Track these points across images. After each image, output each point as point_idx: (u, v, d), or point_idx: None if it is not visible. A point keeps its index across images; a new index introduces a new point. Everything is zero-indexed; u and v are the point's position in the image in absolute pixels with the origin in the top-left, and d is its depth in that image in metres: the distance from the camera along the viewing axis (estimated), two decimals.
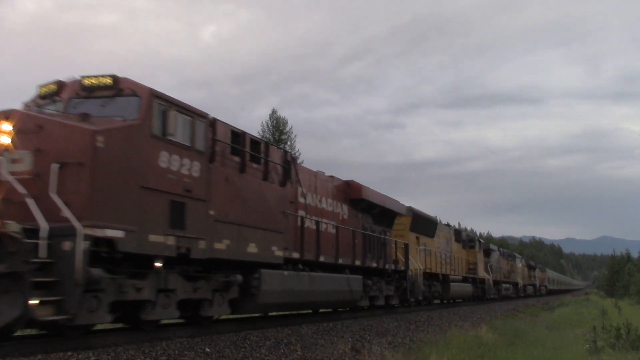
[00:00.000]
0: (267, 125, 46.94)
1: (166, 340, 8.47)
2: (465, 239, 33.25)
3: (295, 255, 12.83)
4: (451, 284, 26.75)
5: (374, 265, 17.55)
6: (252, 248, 10.90)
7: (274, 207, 11.89)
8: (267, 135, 46.23)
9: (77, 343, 7.54)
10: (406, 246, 21.10)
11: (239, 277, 10.69)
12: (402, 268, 20.39)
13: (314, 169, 15.56)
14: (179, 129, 9.23)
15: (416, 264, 21.97)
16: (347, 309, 17.28)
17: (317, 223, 14.16)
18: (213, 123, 10.30)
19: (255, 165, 11.54)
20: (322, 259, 14.06)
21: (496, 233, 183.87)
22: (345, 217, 16.50)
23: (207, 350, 8.34)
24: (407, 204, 28.17)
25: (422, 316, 18.22)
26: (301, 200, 13.81)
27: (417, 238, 23.67)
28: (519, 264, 50.30)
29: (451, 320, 18.55)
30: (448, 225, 32.55)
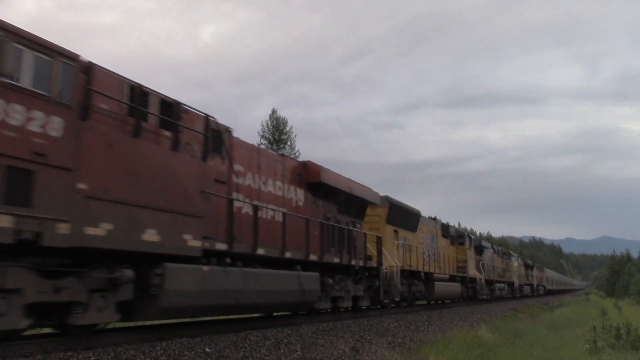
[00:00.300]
0: (267, 125, 47.00)
1: (166, 340, 8.47)
2: (453, 234, 30.60)
3: (221, 246, 10.33)
4: (436, 283, 24.13)
5: (336, 260, 14.83)
6: (150, 235, 8.46)
7: (189, 186, 9.42)
8: (267, 135, 46.30)
9: (77, 343, 7.54)
10: (379, 239, 18.25)
11: (129, 273, 8.33)
12: (375, 265, 17.71)
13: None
14: (25, 70, 7.08)
15: (393, 261, 19.41)
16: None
17: (256, 208, 11.70)
18: (88, 69, 7.99)
19: (165, 133, 9.37)
20: (261, 251, 11.46)
21: (496, 233, 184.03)
22: (300, 204, 14.16)
23: (207, 350, 8.34)
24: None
25: (422, 316, 18.21)
26: (237, 180, 11.66)
27: (396, 232, 21.18)
28: (515, 262, 48.40)
29: (451, 320, 18.54)
30: (434, 219, 29.01)
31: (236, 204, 11.31)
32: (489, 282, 36.04)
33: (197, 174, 9.75)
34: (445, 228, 29.46)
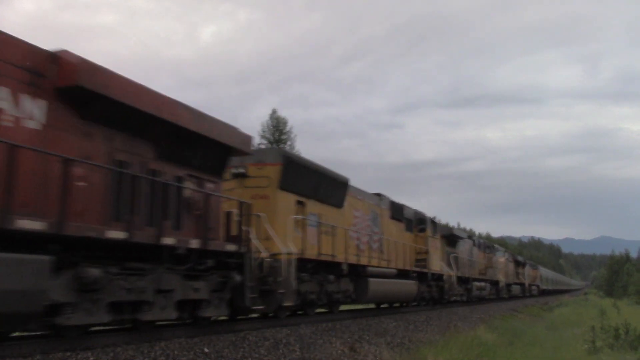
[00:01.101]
0: (268, 125, 47.07)
1: (165, 341, 8.47)
2: (411, 217, 23.07)
3: None
4: (370, 280, 16.59)
5: (132, 238, 8.00)
6: None
7: None
8: (268, 135, 46.39)
9: (76, 343, 7.53)
10: (245, 207, 11.11)
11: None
12: (236, 249, 10.57)
13: None
14: None
15: (281, 244, 12.50)
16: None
17: None
18: None
19: None
20: None
21: (495, 233, 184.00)
22: (38, 127, 7.19)
23: (206, 350, 8.34)
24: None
25: (421, 316, 18.22)
26: None
27: (301, 203, 14.26)
28: (502, 258, 42.42)
29: (450, 320, 18.56)
30: (379, 195, 20.45)
31: None
32: (465, 280, 29.65)
33: None
34: (397, 209, 21.50)
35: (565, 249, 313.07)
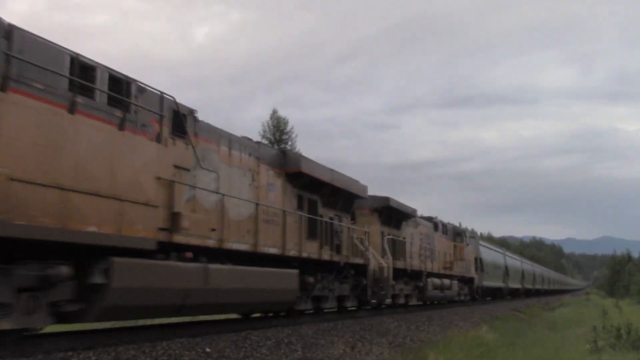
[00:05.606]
0: (268, 125, 47.06)
1: (167, 340, 8.47)
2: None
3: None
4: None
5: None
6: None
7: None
8: (268, 136, 46.37)
9: (77, 343, 7.55)
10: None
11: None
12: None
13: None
14: None
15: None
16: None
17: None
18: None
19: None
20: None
21: (497, 233, 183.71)
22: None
23: (208, 350, 8.34)
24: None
25: (423, 316, 18.21)
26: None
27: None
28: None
29: (451, 320, 18.56)
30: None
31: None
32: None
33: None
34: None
35: (567, 249, 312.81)
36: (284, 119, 47.85)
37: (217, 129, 10.98)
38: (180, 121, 9.60)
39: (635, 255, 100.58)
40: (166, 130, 9.27)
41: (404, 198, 22.71)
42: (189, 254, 9.38)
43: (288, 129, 47.40)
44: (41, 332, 8.63)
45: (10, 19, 6.91)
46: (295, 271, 12.45)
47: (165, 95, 9.38)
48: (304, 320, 13.33)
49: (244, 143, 11.91)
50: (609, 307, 31.66)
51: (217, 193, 10.39)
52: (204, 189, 10.05)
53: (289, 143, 46.60)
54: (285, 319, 13.51)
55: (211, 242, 10.06)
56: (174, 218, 9.05)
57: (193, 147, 9.88)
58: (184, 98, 9.88)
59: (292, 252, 12.69)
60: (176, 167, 9.39)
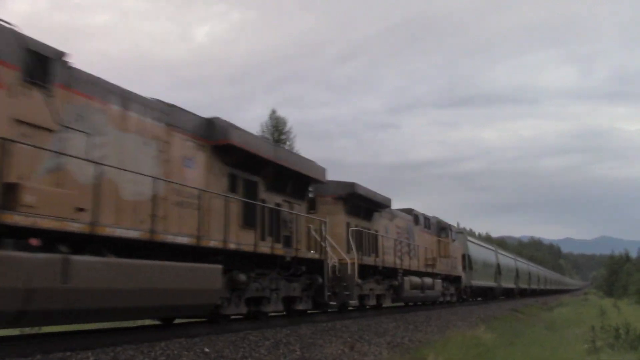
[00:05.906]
0: (267, 125, 47.08)
1: (165, 341, 8.46)
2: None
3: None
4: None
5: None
6: None
7: None
8: (268, 135, 46.38)
9: (76, 343, 7.54)
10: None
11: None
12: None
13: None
14: None
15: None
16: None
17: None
18: None
19: None
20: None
21: (495, 233, 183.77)
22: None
23: (206, 350, 8.33)
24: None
25: (421, 316, 18.22)
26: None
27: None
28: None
29: (450, 320, 18.57)
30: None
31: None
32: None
33: None
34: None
35: (565, 249, 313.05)
36: (283, 119, 47.91)
37: (105, 82, 8.72)
38: (40, 66, 7.51)
39: (633, 255, 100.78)
40: (11, 74, 7.15)
41: (404, 198, 22.74)
42: (34, 241, 6.86)
43: (287, 129, 47.48)
44: (40, 332, 8.63)
45: (12, 18, 6.67)
46: (217, 267, 9.77)
47: (18, 31, 7.38)
48: (302, 320, 13.28)
49: (149, 104, 9.59)
50: (608, 307, 31.72)
51: (96, 163, 7.97)
52: (77, 157, 7.79)
53: (288, 143, 46.65)
54: (284, 319, 12.84)
55: (76, 226, 7.30)
56: (8, 191, 6.63)
57: (61, 101, 7.75)
58: (184, 98, 9.59)
59: (213, 243, 9.99)
60: (22, 122, 7.21)
